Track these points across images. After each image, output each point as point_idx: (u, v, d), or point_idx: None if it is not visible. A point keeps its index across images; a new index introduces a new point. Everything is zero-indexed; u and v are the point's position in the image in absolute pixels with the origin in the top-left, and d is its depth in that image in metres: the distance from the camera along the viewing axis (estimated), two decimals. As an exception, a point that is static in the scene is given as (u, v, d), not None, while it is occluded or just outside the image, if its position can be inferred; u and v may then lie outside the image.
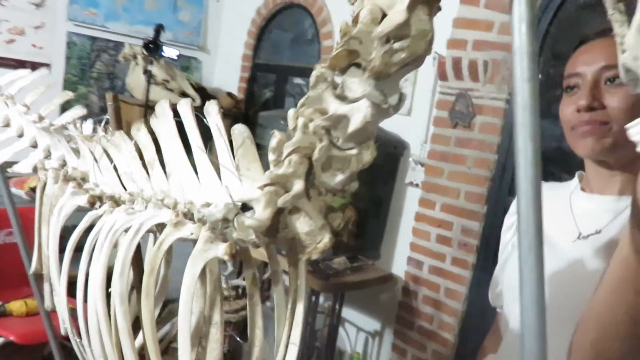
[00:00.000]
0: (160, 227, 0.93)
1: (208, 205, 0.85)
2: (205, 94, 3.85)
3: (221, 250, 0.81)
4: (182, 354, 0.82)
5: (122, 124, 2.84)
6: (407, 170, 2.91)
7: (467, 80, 2.62)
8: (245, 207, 0.80)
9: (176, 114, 0.98)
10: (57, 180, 1.29)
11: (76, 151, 1.34)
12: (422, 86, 2.90)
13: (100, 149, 1.20)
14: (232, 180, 0.85)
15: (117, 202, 1.10)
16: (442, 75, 2.70)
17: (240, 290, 3.09)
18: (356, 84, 0.68)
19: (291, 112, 0.74)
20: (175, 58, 3.33)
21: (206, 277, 1.00)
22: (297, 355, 0.87)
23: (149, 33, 3.22)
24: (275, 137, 0.75)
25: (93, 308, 0.97)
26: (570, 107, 0.97)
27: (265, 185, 0.74)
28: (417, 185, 2.86)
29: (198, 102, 3.69)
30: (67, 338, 1.23)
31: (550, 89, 2.44)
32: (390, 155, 2.92)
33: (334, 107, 0.69)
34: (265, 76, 4.05)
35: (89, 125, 1.34)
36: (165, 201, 0.94)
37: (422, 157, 2.83)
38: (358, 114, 0.67)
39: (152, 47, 3.05)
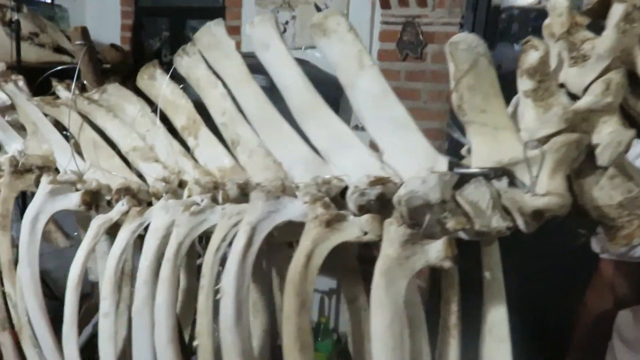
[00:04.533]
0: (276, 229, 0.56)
1: (382, 182, 0.51)
2: (84, 49, 3.17)
3: (434, 252, 0.48)
4: None
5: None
6: (352, 112, 2.63)
7: (413, 6, 2.37)
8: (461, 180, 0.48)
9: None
10: (-5, 174, 0.83)
11: (17, 126, 0.87)
12: (356, 17, 2.60)
13: (77, 118, 0.76)
14: (409, 139, 0.52)
15: (135, 196, 0.70)
16: (384, 3, 2.42)
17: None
18: None
19: (562, 3, 0.43)
20: (49, 1, 2.63)
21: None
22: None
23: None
24: (535, 51, 0.43)
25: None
26: None
27: (555, 133, 0.42)
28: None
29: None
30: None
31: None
32: (330, 98, 2.61)
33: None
34: (154, 22, 3.45)
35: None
36: (272, 184, 0.57)
37: (366, 96, 2.56)
38: None
39: (17, -11, 2.35)
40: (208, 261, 0.56)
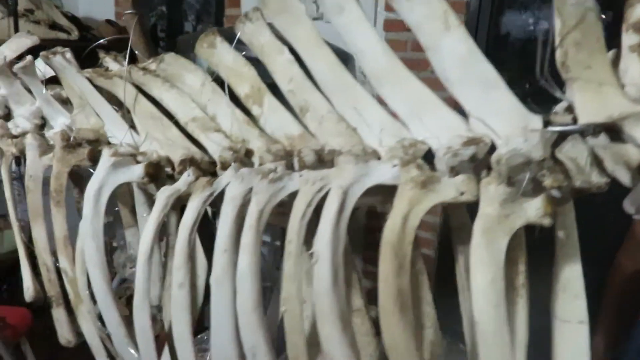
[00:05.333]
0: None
1: (475, 142, 0.51)
2: (79, 25, 3.10)
3: (533, 210, 0.49)
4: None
5: None
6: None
7: (420, -27, 2.34)
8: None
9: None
10: (44, 148, 0.82)
11: (61, 99, 0.86)
12: (361, -13, 2.56)
13: (132, 89, 0.75)
14: (495, 96, 0.52)
15: (199, 166, 0.69)
16: (389, -29, 2.39)
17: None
18: None
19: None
20: (46, -25, 2.56)
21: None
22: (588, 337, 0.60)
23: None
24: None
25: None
26: None
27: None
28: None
29: (75, 34, 2.96)
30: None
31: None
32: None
33: None
34: (149, -5, 3.37)
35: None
36: (355, 148, 0.57)
37: (372, 67, 2.54)
38: None
39: (13, -37, 2.28)
40: (294, 227, 0.56)
